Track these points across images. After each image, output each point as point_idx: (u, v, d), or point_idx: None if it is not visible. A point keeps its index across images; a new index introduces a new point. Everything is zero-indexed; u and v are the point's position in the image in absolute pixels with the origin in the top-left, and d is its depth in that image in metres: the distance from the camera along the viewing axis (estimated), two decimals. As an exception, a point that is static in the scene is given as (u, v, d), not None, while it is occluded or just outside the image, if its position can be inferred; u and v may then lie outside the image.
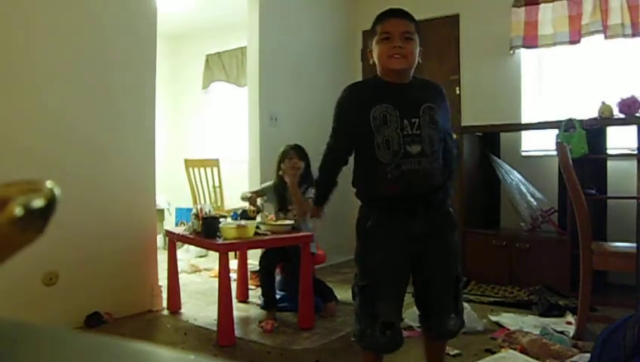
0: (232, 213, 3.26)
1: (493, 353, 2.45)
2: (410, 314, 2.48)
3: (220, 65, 6.01)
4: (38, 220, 0.35)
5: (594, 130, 3.37)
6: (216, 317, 2.73)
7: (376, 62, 1.81)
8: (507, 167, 3.93)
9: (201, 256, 4.86)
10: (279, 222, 3.11)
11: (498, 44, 4.19)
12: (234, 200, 4.03)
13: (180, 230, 3.29)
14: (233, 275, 3.24)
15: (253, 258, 3.88)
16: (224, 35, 5.85)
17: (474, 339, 2.64)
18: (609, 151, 3.55)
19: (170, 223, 5.29)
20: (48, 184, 0.36)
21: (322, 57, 4.73)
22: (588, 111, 3.51)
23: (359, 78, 4.39)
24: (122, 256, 3.12)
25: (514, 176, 3.89)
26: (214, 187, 4.93)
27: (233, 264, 3.35)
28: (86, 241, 2.93)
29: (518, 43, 4.05)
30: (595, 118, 3.40)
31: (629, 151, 3.43)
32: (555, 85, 4.11)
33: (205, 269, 4.42)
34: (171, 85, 6.28)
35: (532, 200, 3.78)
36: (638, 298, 2.38)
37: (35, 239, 0.36)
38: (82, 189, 2.89)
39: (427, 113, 1.76)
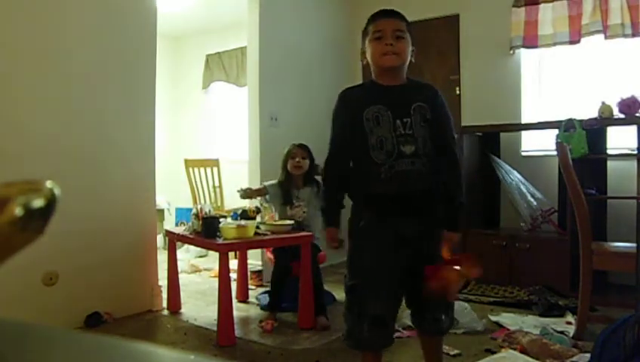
0: (232, 213, 3.26)
1: (493, 353, 2.44)
2: (409, 315, 2.47)
3: (220, 66, 6.01)
4: (38, 220, 0.35)
5: (594, 130, 3.37)
6: (216, 317, 2.73)
7: (370, 61, 1.84)
8: (507, 167, 3.93)
9: (201, 256, 4.86)
10: (279, 222, 3.11)
11: (498, 44, 4.19)
12: (234, 200, 4.02)
13: (180, 230, 3.29)
14: (233, 275, 3.24)
15: (254, 258, 3.89)
16: (224, 35, 5.85)
17: (474, 339, 2.64)
18: (609, 151, 3.55)
19: (170, 223, 5.29)
20: (48, 184, 0.36)
21: (322, 57, 4.73)
22: (588, 111, 3.51)
23: (359, 78, 4.38)
24: (122, 256, 3.12)
25: (514, 176, 3.89)
26: (214, 187, 4.93)
27: (233, 264, 3.36)
28: (86, 241, 2.93)
29: (518, 43, 4.05)
30: (595, 118, 3.40)
31: (629, 151, 3.43)
32: (555, 85, 4.11)
33: (205, 269, 4.42)
34: (171, 85, 6.28)
35: (532, 200, 3.78)
36: (638, 298, 2.38)
37: (35, 239, 0.36)
38: (82, 189, 2.89)
39: (418, 112, 1.78)
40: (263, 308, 3.26)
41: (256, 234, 2.94)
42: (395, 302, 1.84)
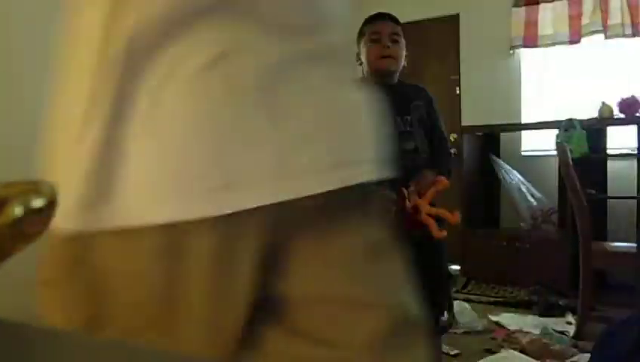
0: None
1: (493, 353, 2.44)
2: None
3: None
4: (38, 220, 0.35)
5: (594, 130, 3.37)
6: (216, 317, 2.73)
7: (365, 63, 1.86)
8: (507, 167, 3.92)
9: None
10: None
11: (498, 44, 4.19)
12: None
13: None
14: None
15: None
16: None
17: (474, 339, 2.64)
18: (609, 151, 3.55)
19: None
20: (48, 184, 0.36)
21: (322, 57, 4.73)
22: (588, 111, 3.51)
23: (359, 78, 4.38)
24: (122, 256, 3.11)
25: (514, 176, 3.89)
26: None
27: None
28: (86, 241, 2.93)
29: (518, 43, 4.05)
30: (595, 118, 3.40)
31: (629, 151, 3.43)
32: (555, 85, 4.11)
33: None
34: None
35: (532, 200, 3.78)
36: (638, 298, 2.38)
37: (35, 239, 0.36)
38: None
39: (417, 110, 1.83)
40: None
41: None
42: None
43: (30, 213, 0.34)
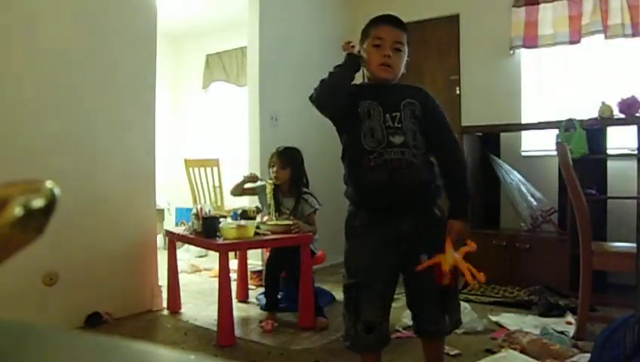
0: (232, 213, 3.25)
1: (494, 353, 2.44)
2: (409, 315, 2.47)
3: (220, 66, 6.01)
4: (38, 220, 0.35)
5: (594, 130, 3.37)
6: (216, 317, 2.74)
7: (366, 63, 1.88)
8: (507, 167, 3.93)
9: (201, 256, 4.86)
10: (279, 222, 3.10)
11: (498, 44, 4.19)
12: (234, 201, 4.02)
13: (180, 230, 3.29)
14: (233, 275, 3.24)
15: (254, 258, 3.88)
16: (224, 35, 5.85)
17: (474, 339, 2.64)
18: (609, 151, 3.55)
19: (170, 223, 5.29)
20: (48, 184, 0.36)
21: (322, 57, 4.72)
22: (588, 111, 3.51)
23: (359, 78, 4.38)
24: (122, 256, 3.12)
25: (514, 176, 3.89)
26: (214, 187, 4.93)
27: (233, 264, 3.35)
28: (86, 241, 2.93)
29: (518, 43, 4.05)
30: (595, 118, 3.40)
31: (629, 151, 3.43)
32: (555, 85, 4.11)
33: (205, 269, 4.42)
34: (171, 85, 6.28)
35: (532, 200, 3.78)
36: (638, 298, 2.38)
37: (35, 239, 0.36)
38: (82, 189, 2.89)
39: (408, 108, 1.84)
40: (262, 308, 3.26)
41: (256, 234, 2.94)
42: (389, 301, 1.86)
43: (30, 213, 0.34)
